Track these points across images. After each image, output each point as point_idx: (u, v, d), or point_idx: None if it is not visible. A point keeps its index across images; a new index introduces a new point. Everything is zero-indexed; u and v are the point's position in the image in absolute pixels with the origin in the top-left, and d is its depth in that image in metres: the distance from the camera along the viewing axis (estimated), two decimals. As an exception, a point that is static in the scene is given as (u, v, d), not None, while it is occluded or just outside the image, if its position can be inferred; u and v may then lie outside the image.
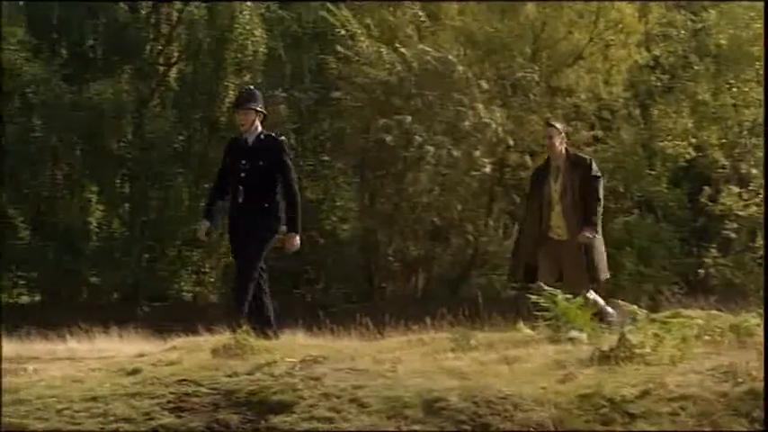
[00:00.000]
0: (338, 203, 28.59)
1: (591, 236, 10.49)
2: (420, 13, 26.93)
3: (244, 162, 9.84)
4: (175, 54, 29.13)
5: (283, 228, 10.05)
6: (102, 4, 28.08)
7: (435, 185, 26.34)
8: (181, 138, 28.13)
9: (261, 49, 27.75)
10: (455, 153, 25.44)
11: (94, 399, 6.78)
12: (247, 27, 27.81)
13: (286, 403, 6.93)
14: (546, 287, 9.90)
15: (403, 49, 26.08)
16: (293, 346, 8.44)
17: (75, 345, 13.32)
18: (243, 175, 9.85)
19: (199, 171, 27.48)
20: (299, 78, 28.49)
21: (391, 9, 27.32)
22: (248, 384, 7.14)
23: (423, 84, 25.81)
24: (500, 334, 9.10)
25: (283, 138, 10.02)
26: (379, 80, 26.02)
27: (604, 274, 10.74)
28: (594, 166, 10.73)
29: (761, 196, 24.70)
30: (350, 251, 27.60)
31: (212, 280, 28.21)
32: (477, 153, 25.62)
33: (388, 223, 26.49)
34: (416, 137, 25.39)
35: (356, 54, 26.33)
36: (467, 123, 25.50)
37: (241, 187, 9.85)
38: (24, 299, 28.19)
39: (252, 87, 10.36)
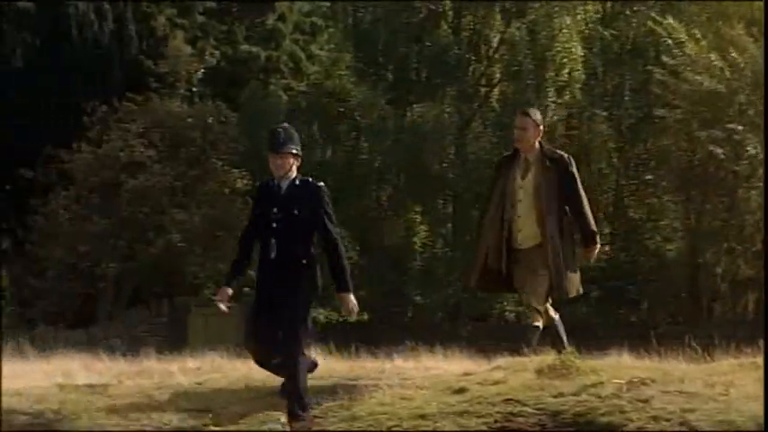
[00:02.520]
0: (662, 222, 27.97)
1: (591, 253, 9.14)
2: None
3: (276, 211, 8.31)
4: (497, 75, 29.35)
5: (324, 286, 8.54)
6: (425, 29, 28.68)
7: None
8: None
9: (579, 68, 27.58)
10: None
11: (423, 416, 6.87)
12: (567, 46, 27.71)
13: (614, 425, 6.80)
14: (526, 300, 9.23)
15: (734, 54, 25.14)
16: (619, 368, 8.27)
17: (401, 363, 13.60)
18: (275, 225, 8.29)
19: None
20: (619, 96, 28.12)
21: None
22: (574, 405, 7.05)
23: (755, 91, 24.74)
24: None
25: (322, 184, 8.42)
26: (705, 89, 25.18)
27: (573, 290, 9.21)
28: (573, 164, 9.26)
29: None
30: (675, 271, 26.92)
31: (534, 300, 28.14)
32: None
33: (715, 242, 25.66)
34: (749, 149, 24.39)
35: (682, 63, 25.63)
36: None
37: (273, 240, 8.29)
38: (352, 317, 29.00)
39: (287, 126, 8.70)
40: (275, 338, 8.13)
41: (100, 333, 25.38)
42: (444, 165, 28.54)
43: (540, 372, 7.97)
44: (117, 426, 9.66)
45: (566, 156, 9.27)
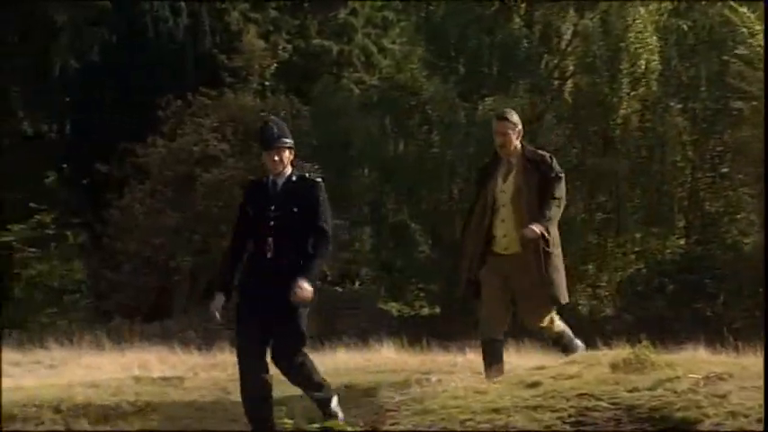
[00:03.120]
0: (739, 216, 27.61)
1: (537, 233, 8.51)
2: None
3: (273, 208, 7.76)
4: (570, 67, 29.15)
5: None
6: (497, 22, 28.57)
7: None
8: (575, 150, 28.10)
9: (655, 59, 27.30)
10: None
11: (496, 410, 6.84)
12: (641, 36, 27.44)
13: (690, 421, 6.72)
14: (492, 319, 8.74)
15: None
16: (695, 362, 8.17)
17: (473, 357, 13.58)
18: (272, 224, 7.74)
19: (593, 184, 27.35)
20: (694, 88, 27.80)
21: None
22: (650, 400, 6.97)
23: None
24: None
25: (320, 180, 8.01)
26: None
27: (563, 296, 8.83)
28: (555, 164, 8.90)
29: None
30: (752, 265, 26.55)
31: (607, 294, 27.97)
32: None
33: (794, 235, 25.26)
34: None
35: (758, 54, 25.29)
36: None
37: (270, 239, 7.73)
38: (425, 311, 29.08)
39: (277, 119, 8.17)
40: (267, 348, 7.71)
41: (175, 326, 25.61)
42: (517, 158, 28.33)
43: (614, 366, 7.90)
44: (190, 417, 9.76)
45: (547, 156, 8.91)
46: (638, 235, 27.44)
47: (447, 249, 28.13)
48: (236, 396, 11.05)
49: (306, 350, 7.78)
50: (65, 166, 32.42)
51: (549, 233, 8.61)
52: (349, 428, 7.31)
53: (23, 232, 29.23)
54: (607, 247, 27.70)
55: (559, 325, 8.86)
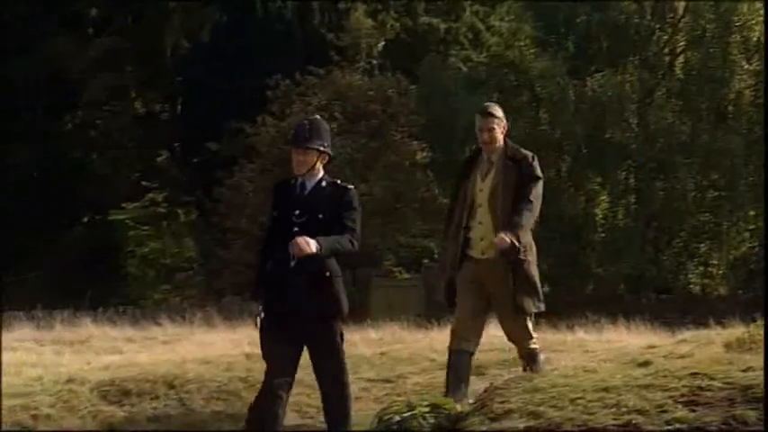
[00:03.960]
0: None
1: (508, 241, 7.79)
2: None
3: (298, 213, 7.10)
4: (681, 43, 28.72)
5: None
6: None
7: None
8: (685, 128, 27.71)
9: (768, 32, 26.77)
10: None
11: (606, 389, 6.77)
12: (753, 8, 26.94)
13: (807, 401, 6.58)
14: (464, 329, 8.03)
15: None
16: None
17: (583, 335, 13.51)
18: (296, 230, 7.03)
19: (705, 162, 26.95)
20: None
21: None
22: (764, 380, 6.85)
23: None
24: None
25: (352, 187, 7.26)
26: None
27: (533, 307, 8.06)
28: (537, 164, 8.21)
29: None
30: None
31: (721, 272, 27.58)
32: None
33: None
34: None
35: None
36: None
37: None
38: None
39: (317, 119, 7.42)
40: (293, 366, 7.07)
41: (284, 303, 25.80)
42: (626, 135, 28.10)
43: (728, 345, 7.79)
44: (300, 394, 9.87)
45: (530, 155, 8.20)
46: (751, 213, 26.97)
47: (555, 227, 28.00)
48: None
49: (344, 364, 7.15)
50: (176, 145, 32.96)
51: (519, 241, 7.86)
52: (458, 407, 7.32)
53: (136, 211, 29.80)
54: (720, 225, 27.29)
55: (535, 342, 8.18)
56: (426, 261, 29.13)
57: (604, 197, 28.49)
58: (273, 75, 28.49)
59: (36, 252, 30.94)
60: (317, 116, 7.49)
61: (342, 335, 7.13)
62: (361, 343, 12.63)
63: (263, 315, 7.07)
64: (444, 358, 11.34)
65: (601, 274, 27.87)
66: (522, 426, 6.57)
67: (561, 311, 19.90)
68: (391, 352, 11.76)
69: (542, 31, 28.96)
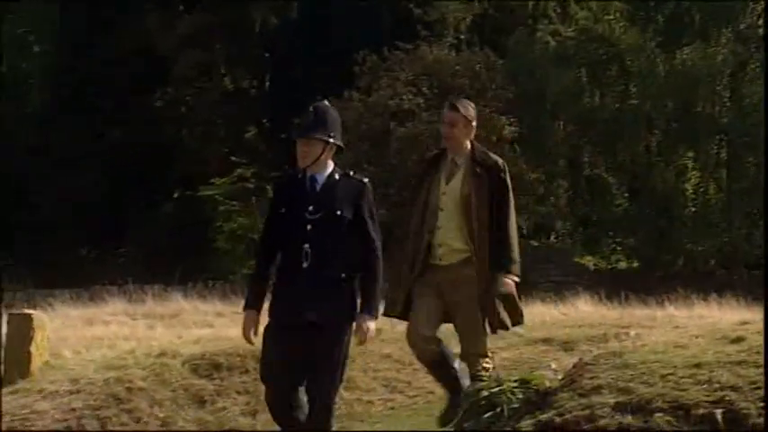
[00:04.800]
0: None
1: (512, 284, 7.36)
2: None
3: (311, 209, 6.35)
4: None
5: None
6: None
7: None
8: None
9: None
10: None
11: (698, 365, 6.69)
12: None
13: None
14: (422, 331, 7.28)
15: None
16: None
17: (673, 311, 13.37)
18: (309, 228, 6.33)
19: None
20: None
21: None
22: None
23: None
24: None
25: (367, 181, 6.58)
26: None
27: (515, 321, 7.53)
28: (507, 174, 7.49)
29: None
30: None
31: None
32: None
33: None
34: None
35: None
36: None
37: (306, 246, 6.31)
38: (622, 264, 28.73)
39: (325, 105, 6.65)
40: (302, 375, 6.32)
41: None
42: (717, 108, 27.70)
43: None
44: (388, 368, 9.91)
45: (500, 162, 7.51)
46: None
47: (645, 203, 27.74)
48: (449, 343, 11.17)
49: (337, 384, 6.37)
50: (264, 121, 33.16)
51: (519, 276, 7.44)
52: (547, 382, 7.29)
53: (225, 186, 30.05)
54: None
55: (488, 362, 7.46)
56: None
57: (695, 172, 28.15)
58: (360, 50, 28.50)
59: (128, 228, 31.41)
60: (326, 102, 6.67)
61: (348, 346, 6.35)
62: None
63: (268, 323, 6.37)
64: (533, 334, 11.34)
65: (691, 249, 27.54)
66: (612, 401, 6.52)
67: (651, 287, 19.76)
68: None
69: (632, 3, 28.63)
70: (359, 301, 6.36)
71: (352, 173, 6.59)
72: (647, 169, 28.19)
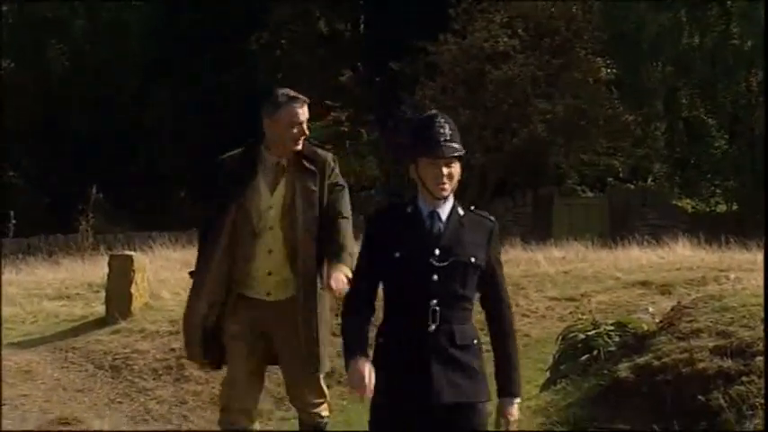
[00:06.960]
0: None
1: (345, 282, 5.52)
2: None
3: (438, 254, 4.75)
4: None
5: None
6: None
7: None
8: None
9: None
10: None
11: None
12: None
13: None
14: (240, 400, 5.82)
15: None
16: None
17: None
18: (436, 278, 4.73)
19: None
20: None
21: None
22: None
23: None
24: None
25: (495, 219, 5.09)
26: None
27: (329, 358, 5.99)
28: (337, 169, 6.09)
29: None
30: None
31: None
32: None
33: None
34: None
35: None
36: None
37: (434, 303, 4.70)
38: (721, 208, 28.34)
39: (439, 114, 4.93)
40: None
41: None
42: None
43: None
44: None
45: (330, 157, 6.05)
46: None
47: (745, 145, 27.26)
48: (530, 291, 11.14)
49: None
50: (359, 64, 33.13)
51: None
52: (644, 325, 7.25)
53: (320, 130, 30.15)
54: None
55: (326, 409, 6.10)
56: (611, 180, 28.75)
57: (797, 112, 27.57)
58: (456, -8, 28.29)
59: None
60: (439, 113, 4.94)
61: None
62: (545, 261, 12.59)
63: (378, 404, 4.72)
64: (628, 276, 11.26)
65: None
66: (711, 345, 6.47)
67: (751, 231, 19.45)
68: (575, 270, 11.70)
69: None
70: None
71: (472, 207, 5.03)
72: (747, 110, 27.66)
